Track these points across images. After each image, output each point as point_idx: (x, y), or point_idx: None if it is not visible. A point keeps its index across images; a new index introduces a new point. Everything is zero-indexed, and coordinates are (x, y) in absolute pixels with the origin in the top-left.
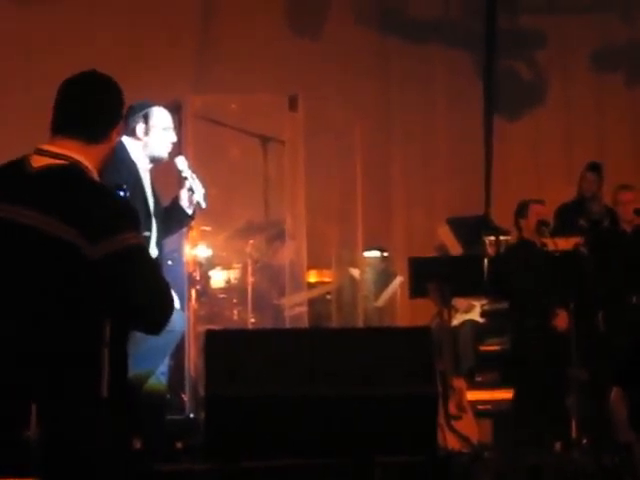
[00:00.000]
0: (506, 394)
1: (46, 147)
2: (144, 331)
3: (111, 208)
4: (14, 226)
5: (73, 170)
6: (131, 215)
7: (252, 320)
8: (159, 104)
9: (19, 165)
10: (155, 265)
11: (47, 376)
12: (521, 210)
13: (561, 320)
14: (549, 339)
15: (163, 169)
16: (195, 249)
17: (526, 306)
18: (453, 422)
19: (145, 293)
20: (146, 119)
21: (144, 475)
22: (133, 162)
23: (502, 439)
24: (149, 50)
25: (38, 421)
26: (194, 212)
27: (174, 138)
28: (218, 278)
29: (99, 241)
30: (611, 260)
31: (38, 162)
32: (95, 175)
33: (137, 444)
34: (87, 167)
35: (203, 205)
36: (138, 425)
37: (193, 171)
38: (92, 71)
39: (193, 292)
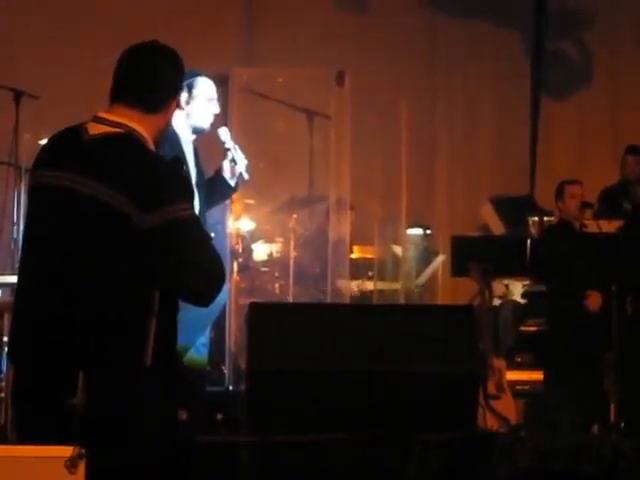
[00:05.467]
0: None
1: (104, 115)
2: (193, 303)
3: (165, 178)
4: (68, 193)
5: (129, 139)
6: (185, 187)
7: (293, 294)
8: (205, 74)
9: (76, 132)
10: (207, 237)
11: (94, 343)
12: (558, 191)
13: (593, 301)
14: (583, 321)
15: (207, 140)
16: (238, 222)
17: (561, 288)
18: (492, 402)
19: (196, 265)
20: (190, 88)
21: (189, 446)
22: (175, 133)
23: (540, 420)
24: (197, 22)
25: (84, 388)
26: (237, 184)
27: (217, 110)
28: (261, 251)
29: (151, 211)
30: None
31: (95, 130)
32: (152, 145)
33: (183, 415)
34: (144, 136)
35: (246, 176)
36: (184, 396)
37: (236, 142)
38: (153, 41)
39: (235, 265)
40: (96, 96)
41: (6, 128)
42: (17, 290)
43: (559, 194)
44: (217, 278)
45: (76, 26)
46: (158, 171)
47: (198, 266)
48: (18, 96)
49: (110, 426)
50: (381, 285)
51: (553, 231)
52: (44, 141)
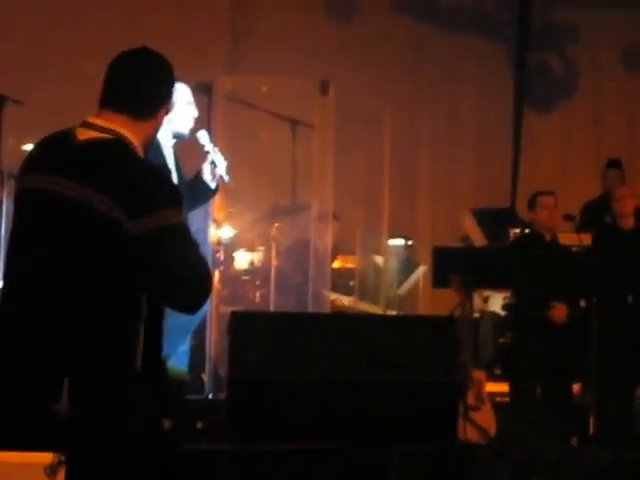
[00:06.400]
0: None
1: (93, 120)
2: (180, 310)
3: (154, 185)
4: (56, 198)
5: (118, 145)
6: (173, 193)
7: (274, 303)
8: (181, 80)
9: (65, 137)
10: (195, 244)
11: (82, 348)
12: (531, 202)
13: (558, 313)
14: (548, 333)
15: (186, 145)
16: (220, 230)
17: (526, 298)
18: (471, 413)
19: (184, 272)
20: None
21: (175, 454)
22: (156, 139)
23: (514, 432)
24: (181, 29)
25: (69, 394)
26: (217, 186)
27: (196, 113)
28: (242, 260)
29: (140, 217)
30: (610, 257)
31: (84, 135)
32: (140, 151)
33: (166, 424)
34: (132, 143)
35: (226, 179)
36: (168, 404)
37: (215, 145)
38: (143, 47)
39: (217, 273)
40: (80, 101)
41: None
42: (2, 294)
43: (532, 205)
44: (205, 285)
45: (60, 31)
46: (148, 177)
47: (185, 273)
48: (1, 101)
49: (95, 432)
50: (364, 306)
51: (521, 241)
52: (28, 146)
